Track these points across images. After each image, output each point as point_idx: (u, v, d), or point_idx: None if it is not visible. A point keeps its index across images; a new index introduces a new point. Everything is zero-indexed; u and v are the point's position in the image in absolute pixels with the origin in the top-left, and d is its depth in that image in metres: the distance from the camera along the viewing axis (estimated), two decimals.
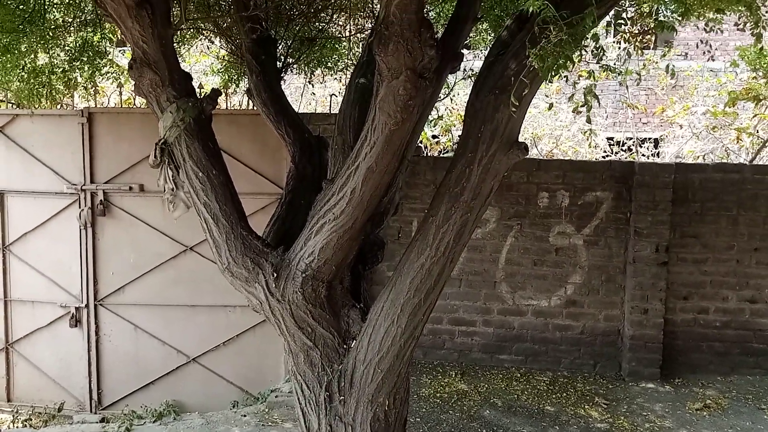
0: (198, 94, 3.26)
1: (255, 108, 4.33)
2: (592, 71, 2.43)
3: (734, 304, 5.77)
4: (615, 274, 5.81)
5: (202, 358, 6.14)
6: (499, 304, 5.96)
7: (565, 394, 5.40)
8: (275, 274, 3.00)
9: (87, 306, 6.16)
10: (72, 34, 5.19)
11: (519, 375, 5.78)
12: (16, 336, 6.30)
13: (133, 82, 3.20)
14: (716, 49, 3.42)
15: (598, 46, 2.55)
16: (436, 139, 8.28)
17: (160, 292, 6.12)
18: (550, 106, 3.97)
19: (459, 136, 7.01)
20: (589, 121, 2.88)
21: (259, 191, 5.91)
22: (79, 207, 6.05)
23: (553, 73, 2.45)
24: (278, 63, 4.33)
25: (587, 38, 2.57)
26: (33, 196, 6.13)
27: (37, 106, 6.10)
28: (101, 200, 6.02)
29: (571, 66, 2.43)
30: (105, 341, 6.22)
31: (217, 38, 5.16)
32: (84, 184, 6.03)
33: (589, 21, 2.45)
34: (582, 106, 2.67)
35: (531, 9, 2.48)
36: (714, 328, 5.78)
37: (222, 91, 3.45)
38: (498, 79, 2.95)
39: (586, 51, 2.52)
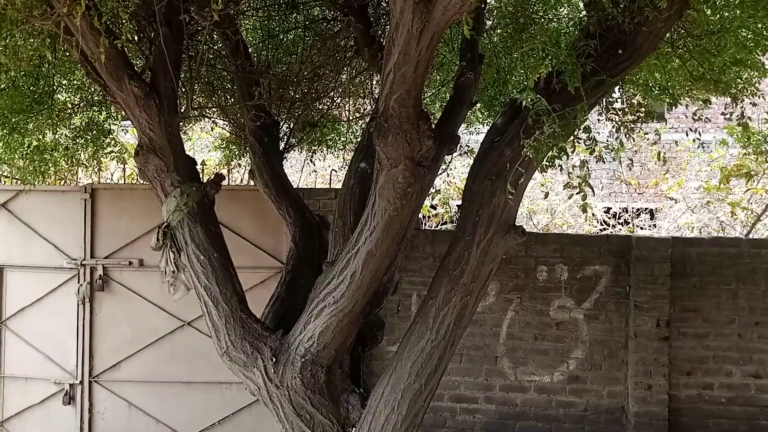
0: (201, 171, 3.34)
1: (256, 185, 4.42)
2: (586, 161, 2.51)
3: (739, 379, 5.68)
4: (617, 349, 5.75)
5: None
6: (501, 380, 5.86)
7: None
8: (274, 359, 2.99)
9: (81, 383, 6.04)
10: (78, 115, 5.34)
11: None
12: (8, 414, 6.15)
13: (138, 167, 3.28)
14: (706, 122, 3.54)
15: (590, 136, 2.64)
16: (435, 210, 8.37)
17: (155, 368, 6.03)
18: (546, 195, 4.06)
19: (458, 206, 7.10)
20: (584, 198, 2.94)
21: (259, 265, 5.92)
22: (78, 282, 6.04)
23: (547, 164, 2.52)
24: (280, 144, 4.46)
25: (579, 129, 2.66)
26: (32, 271, 6.12)
27: (40, 183, 6.20)
28: (100, 275, 6.02)
29: (565, 157, 2.51)
30: (98, 419, 6.07)
31: (220, 118, 5.31)
32: (84, 259, 6.04)
33: (581, 115, 2.54)
34: (575, 187, 2.73)
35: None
36: (719, 404, 5.67)
37: (224, 175, 3.52)
38: (494, 165, 3.04)
39: (579, 142, 2.61)
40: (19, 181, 6.30)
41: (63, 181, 6.52)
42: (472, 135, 6.23)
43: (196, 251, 3.12)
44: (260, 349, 3.00)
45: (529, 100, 2.52)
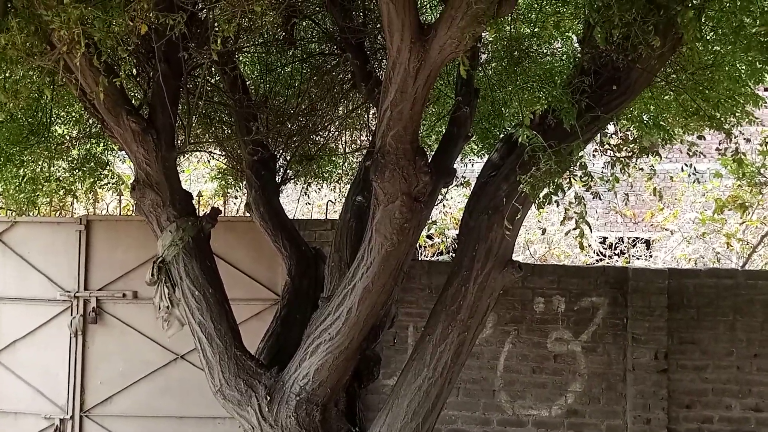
0: (197, 202, 3.33)
1: (252, 217, 4.41)
2: (582, 197, 2.51)
3: (738, 412, 5.62)
4: (615, 382, 5.69)
5: None
6: (499, 415, 5.78)
7: None
8: (268, 398, 2.94)
9: (72, 417, 5.93)
10: (75, 147, 5.35)
11: None
12: None
13: (134, 202, 3.27)
14: (702, 157, 3.57)
15: (586, 172, 2.65)
16: (431, 241, 8.35)
17: (148, 402, 5.93)
18: (544, 231, 4.08)
19: (454, 237, 7.09)
20: (581, 236, 2.93)
21: (254, 297, 5.87)
22: (71, 314, 5.98)
23: (544, 201, 2.53)
24: (277, 176, 4.46)
25: (575, 165, 2.68)
26: (25, 303, 6.06)
27: (33, 213, 6.18)
28: (94, 307, 5.96)
29: (562, 194, 2.52)
30: None
31: (217, 150, 5.32)
32: (77, 291, 5.99)
33: (576, 151, 2.56)
34: (571, 218, 2.72)
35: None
36: None
37: (220, 209, 3.52)
38: (490, 200, 3.04)
39: (575, 178, 2.62)
40: (14, 213, 6.29)
41: (58, 213, 6.50)
42: (468, 166, 6.26)
43: (191, 286, 3.09)
44: (254, 387, 2.95)
45: (524, 136, 2.54)
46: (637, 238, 9.47)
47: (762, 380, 5.61)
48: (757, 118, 3.66)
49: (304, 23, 4.24)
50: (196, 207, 3.53)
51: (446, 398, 3.01)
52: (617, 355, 5.70)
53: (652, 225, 9.10)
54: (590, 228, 2.53)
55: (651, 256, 8.31)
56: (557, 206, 2.63)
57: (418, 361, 2.97)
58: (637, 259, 8.38)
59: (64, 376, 5.96)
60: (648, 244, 9.29)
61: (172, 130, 3.26)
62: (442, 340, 2.94)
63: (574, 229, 2.65)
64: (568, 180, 2.73)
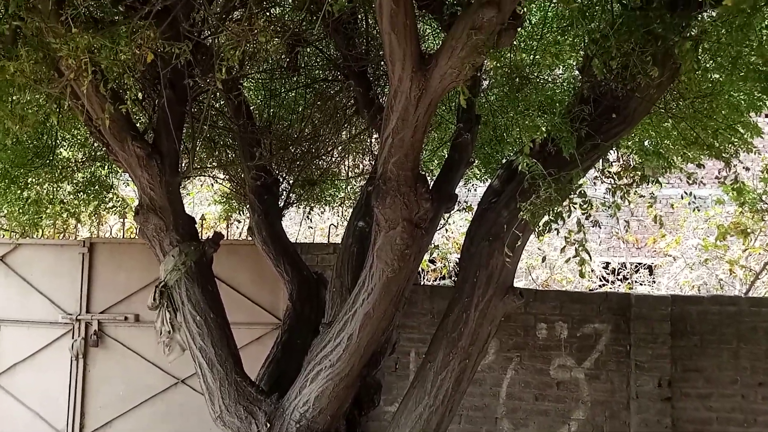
0: (200, 225, 3.34)
1: (254, 241, 4.42)
2: (582, 225, 2.52)
3: None
4: (619, 410, 5.62)
5: None
6: None
7: None
8: (268, 424, 2.93)
9: None
10: (80, 170, 5.39)
11: None
12: None
13: (138, 226, 3.29)
14: (702, 180, 3.59)
15: (586, 200, 2.66)
16: (434, 265, 8.34)
17: (148, 427, 5.88)
18: (544, 258, 4.08)
19: (458, 260, 7.07)
20: (582, 264, 2.94)
21: (255, 321, 5.85)
22: (73, 337, 5.97)
23: (544, 229, 2.54)
24: (280, 200, 4.49)
25: (575, 193, 2.69)
26: (27, 325, 6.06)
27: (39, 236, 6.21)
28: (95, 330, 5.95)
29: (562, 222, 2.53)
30: None
31: (221, 174, 5.36)
32: (79, 314, 5.99)
33: (576, 179, 2.58)
34: (572, 244, 2.72)
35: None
36: None
37: (223, 234, 3.53)
38: (491, 226, 3.05)
39: (575, 206, 2.63)
40: (17, 235, 6.32)
41: (62, 235, 6.53)
42: (470, 191, 6.27)
43: (193, 311, 3.10)
44: (254, 413, 2.94)
45: (524, 164, 2.56)
46: (639, 263, 9.44)
47: (767, 409, 5.54)
48: (756, 147, 3.68)
49: (308, 49, 4.30)
50: (199, 230, 3.55)
51: (447, 426, 2.98)
52: (620, 382, 5.65)
53: (654, 251, 9.08)
54: (590, 256, 2.53)
55: (654, 282, 8.27)
56: (557, 234, 2.64)
57: (419, 389, 2.95)
58: (641, 284, 8.35)
59: (64, 399, 5.93)
60: (651, 269, 9.26)
61: (176, 155, 3.29)
62: (443, 367, 2.93)
63: (575, 257, 2.65)
64: (568, 208, 2.74)
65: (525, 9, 2.74)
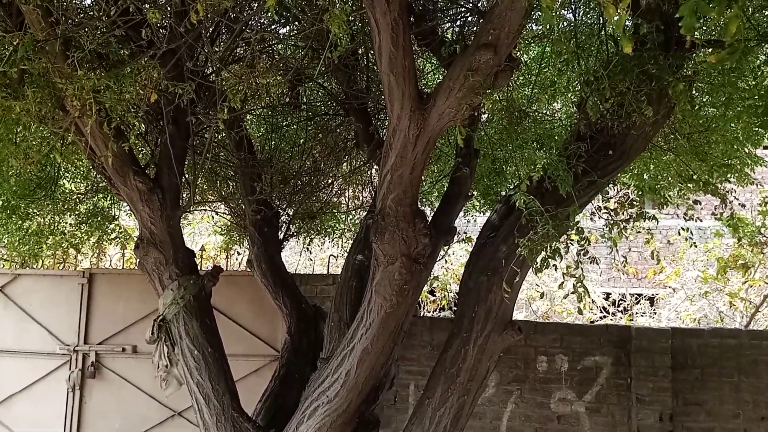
0: (199, 256, 3.35)
1: (253, 273, 4.43)
2: (580, 262, 2.54)
3: None
4: None
5: None
6: None
7: None
8: None
9: None
10: (83, 202, 5.42)
11: None
12: None
13: (138, 259, 3.30)
14: (699, 216, 3.60)
15: (582, 237, 2.68)
16: (433, 296, 8.32)
17: None
18: (542, 295, 4.09)
19: (456, 293, 7.06)
20: (580, 300, 2.94)
21: (253, 353, 5.82)
22: (70, 368, 5.93)
23: (542, 265, 2.55)
24: (279, 233, 4.51)
25: (572, 230, 2.71)
26: (24, 356, 6.02)
27: (38, 266, 6.21)
28: (92, 362, 5.91)
29: (559, 258, 2.54)
30: None
31: (221, 206, 5.39)
32: (77, 345, 5.96)
33: (573, 215, 2.60)
34: (571, 276, 2.72)
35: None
36: None
37: (222, 267, 3.54)
38: (489, 261, 3.06)
39: (572, 242, 2.65)
40: (17, 265, 6.32)
41: (62, 265, 6.53)
42: (470, 222, 6.30)
43: (190, 345, 3.09)
44: None
45: (521, 201, 2.59)
46: (640, 294, 9.41)
47: None
48: (755, 179, 3.71)
49: (310, 83, 4.37)
50: (199, 261, 3.56)
51: None
52: (622, 416, 5.59)
53: (655, 282, 9.07)
54: (588, 292, 2.54)
55: (655, 313, 8.23)
56: (555, 270, 2.65)
57: (417, 426, 2.93)
58: (641, 315, 8.30)
59: (60, 431, 5.86)
60: (652, 300, 9.22)
61: (177, 189, 3.32)
62: (442, 403, 2.91)
63: (573, 292, 2.66)
64: (565, 244, 2.76)
65: (521, 52, 2.80)
